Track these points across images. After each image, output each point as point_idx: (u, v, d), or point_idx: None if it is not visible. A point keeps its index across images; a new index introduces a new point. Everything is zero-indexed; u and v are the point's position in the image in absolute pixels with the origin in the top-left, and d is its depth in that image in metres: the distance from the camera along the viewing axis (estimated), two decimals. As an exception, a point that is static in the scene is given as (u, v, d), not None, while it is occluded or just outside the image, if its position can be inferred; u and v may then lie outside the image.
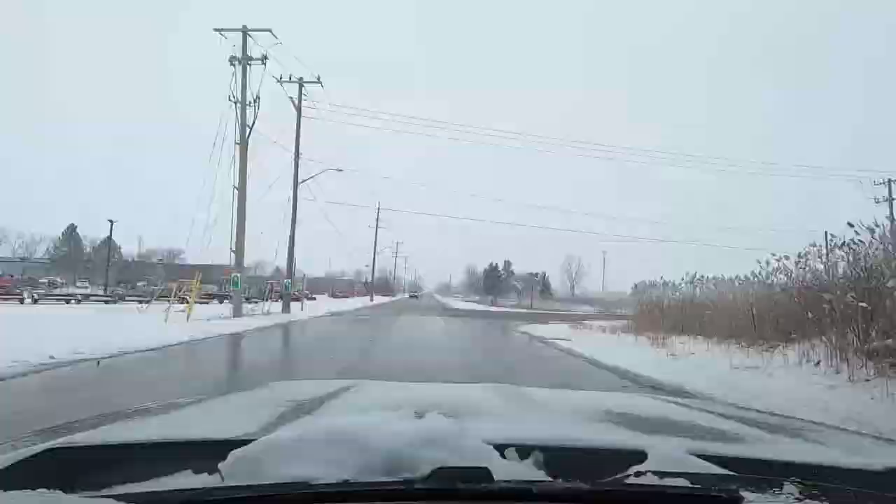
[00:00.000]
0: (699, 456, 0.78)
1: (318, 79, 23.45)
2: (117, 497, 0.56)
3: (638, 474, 0.68)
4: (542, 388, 1.80)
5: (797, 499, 0.57)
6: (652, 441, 0.89)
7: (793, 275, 9.15)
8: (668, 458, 0.75)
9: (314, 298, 44.62)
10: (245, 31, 18.28)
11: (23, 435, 0.93)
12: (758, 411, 1.48)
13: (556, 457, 0.77)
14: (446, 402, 1.23)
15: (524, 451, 0.77)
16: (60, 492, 0.57)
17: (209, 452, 0.74)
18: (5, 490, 0.58)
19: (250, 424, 0.96)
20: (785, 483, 0.61)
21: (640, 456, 0.76)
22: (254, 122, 18.37)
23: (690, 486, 0.63)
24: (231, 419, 1.09)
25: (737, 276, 11.70)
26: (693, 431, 1.07)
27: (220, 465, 0.69)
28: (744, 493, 0.58)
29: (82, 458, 0.77)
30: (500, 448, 0.74)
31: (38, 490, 0.58)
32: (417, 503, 0.60)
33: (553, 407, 1.30)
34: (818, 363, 6.77)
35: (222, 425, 0.98)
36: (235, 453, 0.69)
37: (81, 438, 0.86)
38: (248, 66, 18.10)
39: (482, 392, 1.54)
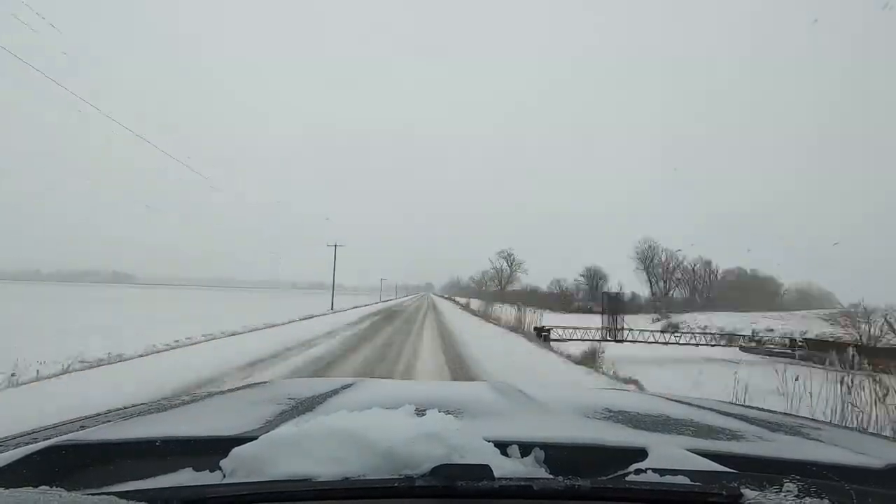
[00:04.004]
0: (699, 453, 0.78)
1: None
2: (119, 494, 0.56)
3: (638, 472, 0.68)
4: (543, 387, 1.80)
5: (797, 496, 0.58)
6: (652, 439, 0.89)
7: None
8: (669, 455, 0.75)
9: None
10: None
11: (25, 432, 0.93)
12: (758, 409, 1.48)
13: (557, 454, 0.78)
14: (447, 400, 1.23)
15: (525, 448, 0.77)
16: (62, 489, 0.57)
17: (210, 450, 0.74)
18: (7, 488, 0.58)
19: (251, 422, 0.96)
20: (785, 480, 0.61)
21: (640, 454, 0.77)
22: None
23: (690, 483, 0.63)
24: (232, 416, 1.09)
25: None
26: (693, 429, 1.07)
27: (221, 463, 0.70)
28: (744, 491, 0.58)
29: (84, 455, 0.77)
30: (501, 446, 0.74)
31: (40, 487, 0.58)
32: (418, 500, 0.60)
33: (553, 405, 1.30)
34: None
35: (223, 423, 0.98)
36: (237, 451, 0.69)
37: (83, 436, 0.86)
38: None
39: (483, 390, 1.54)
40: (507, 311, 25.61)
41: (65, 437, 0.83)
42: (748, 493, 0.58)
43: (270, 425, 0.93)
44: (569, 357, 11.94)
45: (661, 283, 72.11)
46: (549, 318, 25.27)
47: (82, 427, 0.95)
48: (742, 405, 1.55)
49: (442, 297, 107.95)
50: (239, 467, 0.67)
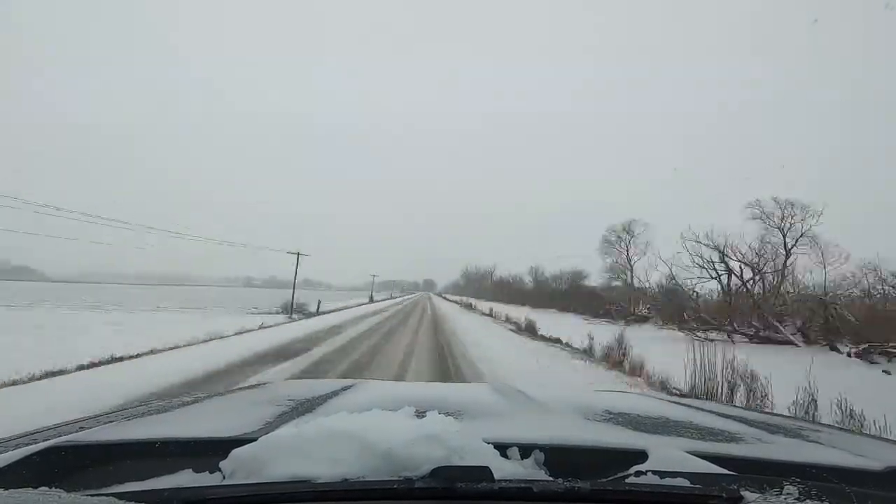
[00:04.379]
0: (699, 456, 0.78)
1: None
2: (118, 496, 0.56)
3: (638, 474, 0.68)
4: (543, 388, 1.80)
5: (797, 499, 0.58)
6: (652, 441, 0.89)
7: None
8: (669, 458, 0.75)
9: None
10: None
11: (24, 433, 0.93)
12: (757, 411, 1.48)
13: (557, 456, 0.78)
14: (447, 402, 1.23)
15: (525, 450, 0.77)
16: (62, 490, 0.58)
17: (210, 451, 0.74)
18: (6, 489, 0.58)
19: (251, 423, 0.96)
20: (785, 483, 0.61)
21: (640, 456, 0.77)
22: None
23: (690, 485, 0.63)
24: (232, 418, 1.09)
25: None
26: (693, 431, 1.07)
27: (220, 464, 0.70)
28: (744, 493, 0.58)
29: (83, 456, 0.77)
30: (501, 447, 0.74)
31: (40, 489, 0.58)
32: (417, 502, 0.60)
33: (553, 406, 1.30)
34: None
35: (223, 424, 0.98)
36: (236, 452, 0.69)
37: (82, 437, 0.86)
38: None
39: (482, 392, 1.54)
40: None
41: (64, 438, 0.83)
42: (748, 495, 0.58)
43: (270, 427, 0.93)
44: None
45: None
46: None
47: (82, 428, 0.95)
48: (741, 407, 1.56)
49: (447, 298, 77.89)
50: (238, 468, 0.67)
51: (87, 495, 0.58)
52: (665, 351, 11.18)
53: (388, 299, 61.21)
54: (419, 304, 40.59)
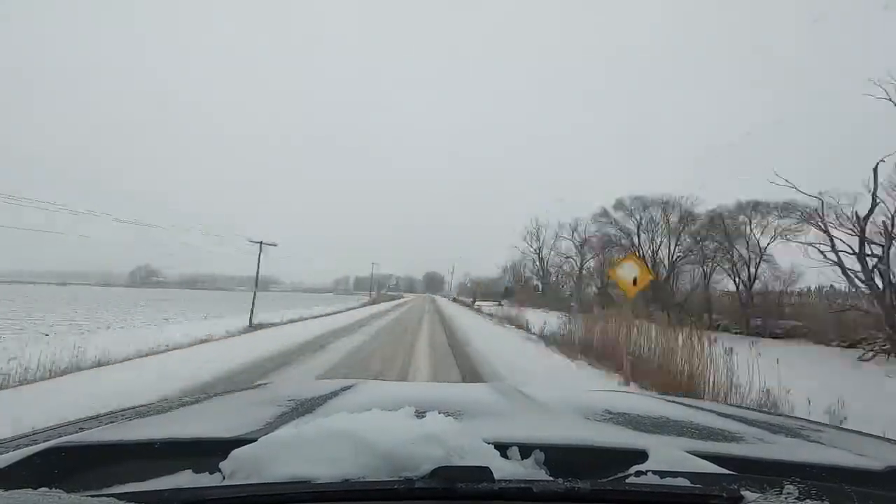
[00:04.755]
0: (700, 455, 0.78)
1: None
2: (118, 496, 0.56)
3: (638, 474, 0.68)
4: (543, 388, 1.80)
5: (797, 498, 0.57)
6: (652, 441, 0.89)
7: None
8: (669, 457, 0.75)
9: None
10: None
11: (25, 433, 0.93)
12: (757, 411, 1.48)
13: (557, 456, 0.77)
14: (447, 402, 1.23)
15: (525, 450, 0.77)
16: (61, 491, 0.57)
17: (210, 451, 0.74)
18: (6, 489, 0.58)
19: (251, 424, 0.96)
20: (785, 483, 0.61)
21: (640, 455, 0.77)
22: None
23: (691, 485, 0.63)
24: (232, 418, 1.09)
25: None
26: (693, 431, 1.07)
27: (220, 465, 0.70)
28: (744, 493, 0.58)
29: (83, 457, 0.77)
30: (501, 447, 0.74)
31: (39, 489, 0.58)
32: (418, 502, 0.60)
33: (553, 406, 1.30)
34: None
35: (223, 424, 0.98)
36: (236, 453, 0.69)
37: (83, 437, 0.86)
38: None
39: (482, 392, 1.54)
40: None
41: (65, 439, 0.82)
42: (748, 495, 0.58)
43: (270, 427, 0.93)
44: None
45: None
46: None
47: (82, 428, 0.95)
48: (741, 407, 1.55)
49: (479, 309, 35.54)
50: (238, 469, 0.67)
51: (87, 496, 0.58)
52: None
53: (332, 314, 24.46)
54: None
